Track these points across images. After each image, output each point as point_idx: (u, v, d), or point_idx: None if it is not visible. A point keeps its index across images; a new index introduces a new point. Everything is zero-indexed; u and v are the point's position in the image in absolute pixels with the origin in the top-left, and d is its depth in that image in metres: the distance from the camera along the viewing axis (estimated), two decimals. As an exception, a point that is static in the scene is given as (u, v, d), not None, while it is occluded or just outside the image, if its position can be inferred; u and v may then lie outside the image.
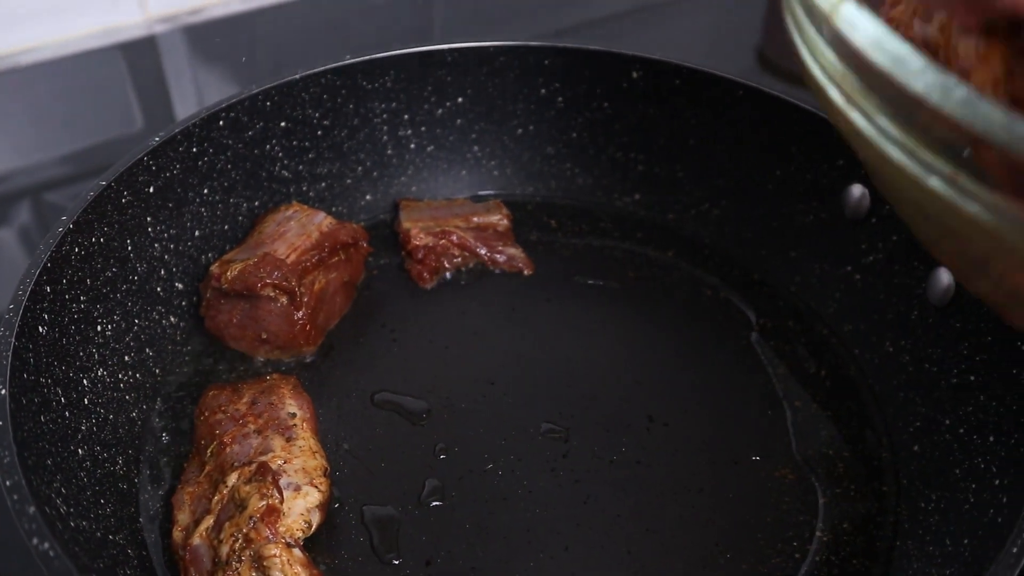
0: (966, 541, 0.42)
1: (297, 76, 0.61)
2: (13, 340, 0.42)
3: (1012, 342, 0.46)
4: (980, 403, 0.47)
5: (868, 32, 0.32)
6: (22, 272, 0.47)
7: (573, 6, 1.02)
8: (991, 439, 0.45)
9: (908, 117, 0.32)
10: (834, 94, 0.35)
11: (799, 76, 0.41)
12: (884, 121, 0.33)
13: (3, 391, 0.40)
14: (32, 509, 0.35)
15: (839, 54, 0.34)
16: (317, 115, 0.63)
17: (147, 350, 0.54)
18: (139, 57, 0.92)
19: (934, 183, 0.31)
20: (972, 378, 0.49)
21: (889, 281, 0.56)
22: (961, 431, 0.48)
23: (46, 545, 0.34)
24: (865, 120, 0.34)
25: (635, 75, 0.64)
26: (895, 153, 0.33)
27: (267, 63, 0.94)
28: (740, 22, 0.99)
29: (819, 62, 0.36)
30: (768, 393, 0.56)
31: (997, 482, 0.43)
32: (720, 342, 0.59)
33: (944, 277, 0.52)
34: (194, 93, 0.91)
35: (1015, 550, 0.36)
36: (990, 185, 0.29)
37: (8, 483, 0.36)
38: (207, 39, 0.95)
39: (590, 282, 0.62)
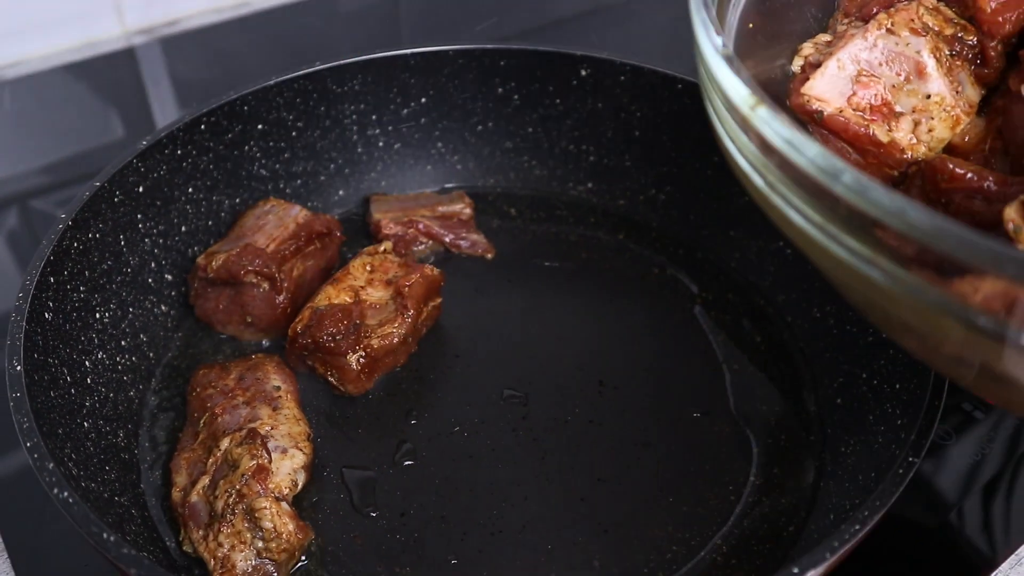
0: (873, 475, 0.48)
1: (272, 82, 0.66)
2: (24, 324, 0.47)
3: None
4: (890, 356, 0.53)
5: (780, 132, 0.37)
6: (27, 266, 0.52)
7: (537, 7, 1.08)
8: (897, 386, 0.51)
9: (823, 203, 0.36)
10: (757, 180, 0.40)
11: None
12: (801, 204, 0.38)
13: (19, 367, 0.45)
14: (51, 465, 0.41)
15: (759, 147, 0.39)
16: (291, 117, 0.68)
17: (141, 336, 0.59)
18: (119, 68, 0.97)
19: (843, 254, 0.36)
20: (884, 335, 0.55)
21: (815, 253, 0.62)
22: (875, 382, 0.54)
23: (65, 494, 0.40)
24: (785, 204, 0.39)
25: (583, 73, 0.70)
26: (812, 231, 0.37)
27: (241, 70, 0.98)
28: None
29: (741, 151, 0.41)
30: (709, 358, 0.61)
31: (899, 422, 0.48)
32: (666, 314, 0.64)
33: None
34: (172, 100, 0.95)
35: (901, 471, 0.42)
36: (894, 258, 0.34)
37: (28, 444, 0.42)
38: (183, 49, 1.00)
39: (547, 264, 0.68)
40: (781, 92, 0.48)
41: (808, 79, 0.46)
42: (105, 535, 0.38)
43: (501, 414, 0.57)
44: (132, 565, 0.37)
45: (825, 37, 0.49)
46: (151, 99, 0.95)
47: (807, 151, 0.36)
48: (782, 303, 0.64)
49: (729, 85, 0.39)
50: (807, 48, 0.49)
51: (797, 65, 0.48)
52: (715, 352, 0.62)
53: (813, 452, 0.55)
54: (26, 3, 0.94)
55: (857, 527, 0.39)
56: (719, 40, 0.41)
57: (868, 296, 0.38)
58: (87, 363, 0.54)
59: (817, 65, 0.46)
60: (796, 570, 0.37)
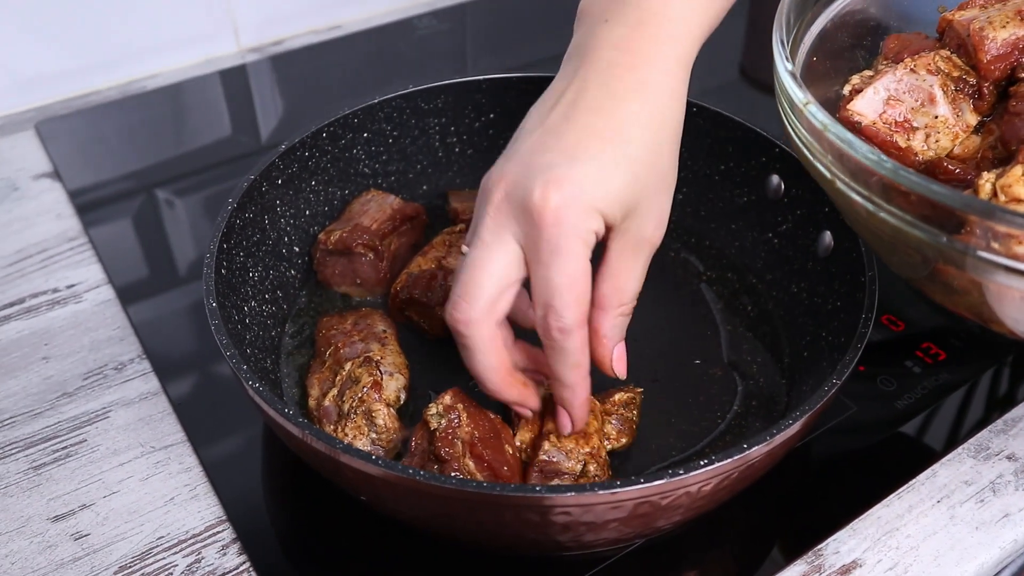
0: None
1: (376, 100, 0.84)
2: (212, 274, 0.67)
3: (859, 280, 0.69)
4: (841, 319, 0.71)
5: (822, 121, 0.55)
6: (210, 235, 0.71)
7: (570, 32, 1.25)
8: (843, 339, 0.68)
9: (846, 166, 0.55)
10: (807, 153, 0.60)
11: (772, 87, 0.64)
12: (839, 173, 0.57)
13: (214, 304, 0.64)
14: (245, 367, 0.60)
15: (808, 132, 0.59)
16: (389, 128, 0.87)
17: (278, 292, 0.79)
18: (233, 81, 1.16)
19: (867, 206, 0.55)
20: (839, 303, 0.72)
21: (794, 243, 0.80)
22: (830, 339, 0.71)
23: (258, 385, 0.59)
24: (823, 167, 0.59)
25: (619, 97, 0.88)
26: (847, 191, 0.57)
27: (334, 83, 1.17)
28: (724, 40, 1.21)
29: (798, 134, 0.59)
30: (710, 320, 0.79)
31: (837, 365, 0.66)
32: (678, 287, 0.82)
33: (826, 238, 0.76)
34: (273, 108, 1.14)
35: (826, 388, 0.59)
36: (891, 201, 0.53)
37: (228, 353, 0.61)
38: (286, 65, 1.19)
39: (586, 247, 0.86)
40: (833, 109, 0.67)
41: (852, 99, 0.64)
42: (288, 410, 0.57)
43: (548, 356, 0.75)
44: (307, 428, 0.56)
45: (868, 72, 0.68)
46: (256, 107, 1.14)
47: (836, 131, 0.55)
48: (769, 281, 0.82)
49: (792, 90, 0.59)
50: (855, 79, 0.68)
51: (846, 90, 0.66)
52: (715, 316, 0.80)
53: (783, 391, 0.73)
54: (162, 27, 1.14)
55: (791, 422, 0.56)
56: (789, 64, 0.61)
57: (862, 218, 0.57)
58: (245, 308, 0.73)
59: (860, 91, 0.65)
60: (745, 445, 0.55)
